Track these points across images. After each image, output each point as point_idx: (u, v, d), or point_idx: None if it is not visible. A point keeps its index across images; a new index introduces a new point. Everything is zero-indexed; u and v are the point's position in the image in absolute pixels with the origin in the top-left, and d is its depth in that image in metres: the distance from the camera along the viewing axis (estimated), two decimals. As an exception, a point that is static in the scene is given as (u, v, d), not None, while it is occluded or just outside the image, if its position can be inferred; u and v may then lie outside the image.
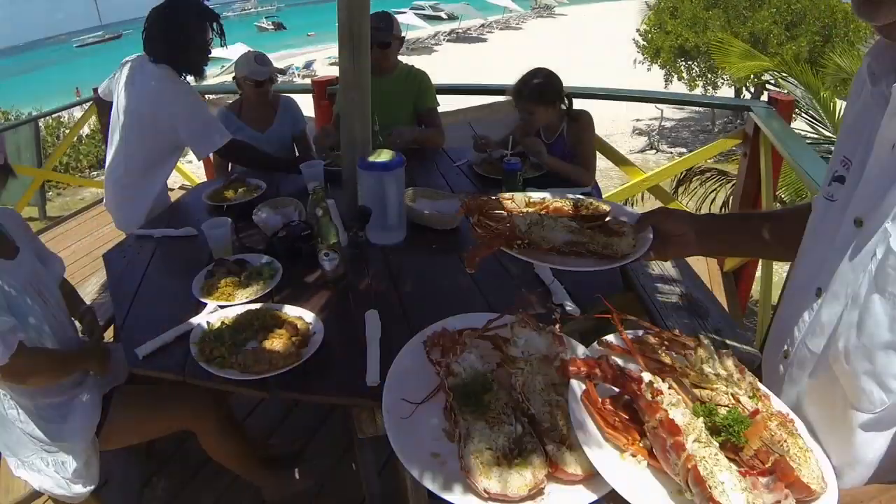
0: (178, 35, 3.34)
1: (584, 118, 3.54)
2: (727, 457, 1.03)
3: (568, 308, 2.12)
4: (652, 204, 6.07)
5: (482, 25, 49.65)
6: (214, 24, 3.47)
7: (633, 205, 6.03)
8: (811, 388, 1.14)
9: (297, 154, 4.23)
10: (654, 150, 18.30)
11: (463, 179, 3.49)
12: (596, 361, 1.21)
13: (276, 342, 2.00)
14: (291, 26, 73.36)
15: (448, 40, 45.64)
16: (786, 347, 1.22)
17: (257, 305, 2.25)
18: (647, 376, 1.14)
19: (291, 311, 2.19)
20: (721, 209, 5.66)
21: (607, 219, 1.50)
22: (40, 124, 8.96)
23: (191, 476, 3.13)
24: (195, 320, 2.23)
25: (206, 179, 5.71)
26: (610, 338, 1.33)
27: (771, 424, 1.09)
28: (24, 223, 2.45)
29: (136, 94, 3.42)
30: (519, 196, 1.58)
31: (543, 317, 1.85)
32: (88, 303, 2.87)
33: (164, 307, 2.41)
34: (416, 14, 49.04)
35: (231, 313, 2.21)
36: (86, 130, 10.54)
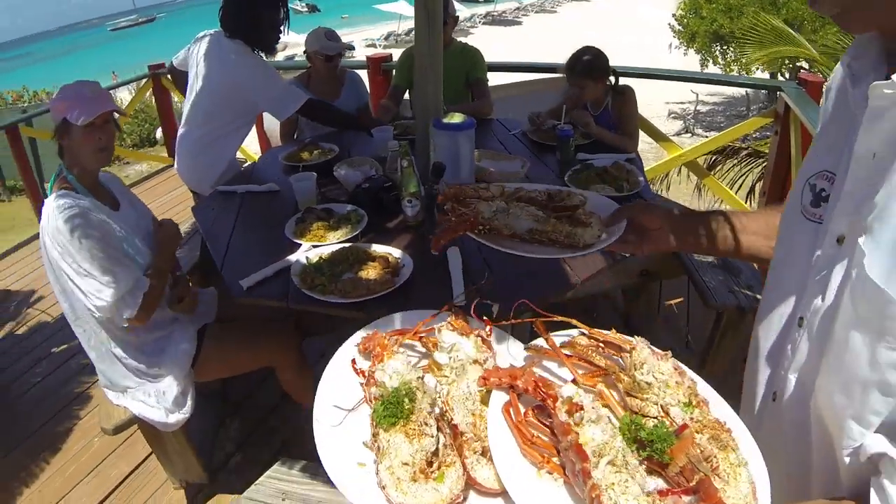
0: (252, 13, 3.61)
1: (628, 92, 3.81)
2: (656, 470, 0.99)
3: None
4: (685, 183, 6.27)
5: (517, 9, 49.58)
6: (284, 6, 3.73)
7: (668, 182, 6.26)
8: (794, 424, 1.05)
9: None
10: (690, 134, 18.29)
11: (518, 145, 3.78)
12: (519, 370, 1.13)
13: (371, 272, 2.27)
14: (325, 8, 73.65)
15: (484, 23, 45.60)
16: (770, 384, 1.14)
17: (349, 244, 2.52)
18: (567, 390, 1.07)
19: (380, 248, 2.46)
20: (753, 188, 5.82)
21: (578, 210, 1.46)
22: None
23: (260, 421, 3.44)
24: (293, 257, 2.50)
25: (260, 153, 6.01)
26: (539, 341, 1.24)
27: (701, 438, 1.01)
28: (122, 184, 2.77)
29: (216, 66, 3.68)
30: (495, 186, 1.55)
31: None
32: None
33: (258, 249, 2.71)
34: (457, -1, 48.86)
35: (326, 251, 2.47)
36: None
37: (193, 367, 2.63)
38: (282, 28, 3.75)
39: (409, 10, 35.47)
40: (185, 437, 2.79)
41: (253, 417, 3.47)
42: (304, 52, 4.36)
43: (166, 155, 8.08)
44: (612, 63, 3.79)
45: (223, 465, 3.18)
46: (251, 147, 7.57)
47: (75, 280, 2.29)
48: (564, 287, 2.27)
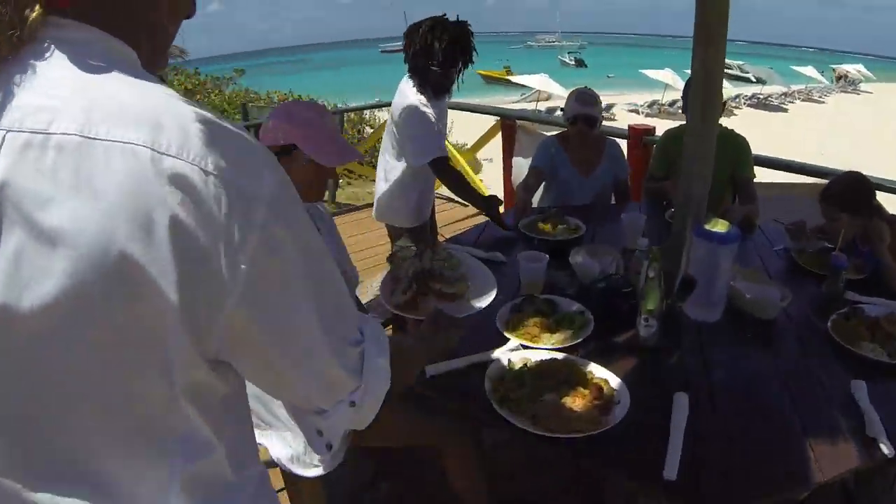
0: (424, 53, 3.48)
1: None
2: None
3: (883, 449, 1.79)
4: None
5: (784, 94, 46.14)
6: (462, 54, 3.55)
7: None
8: None
9: (612, 202, 4.18)
10: None
11: (781, 265, 3.17)
12: None
13: (578, 401, 1.93)
14: (592, 65, 74.07)
15: (748, 105, 43.25)
16: None
17: (562, 355, 2.20)
18: None
19: (597, 370, 2.11)
20: None
21: None
22: (344, 117, 9.89)
23: (416, 486, 3.07)
24: (496, 354, 2.23)
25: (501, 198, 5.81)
26: None
27: None
28: (327, 214, 2.60)
29: (394, 101, 3.72)
30: None
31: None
32: (369, 298, 2.97)
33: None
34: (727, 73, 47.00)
35: (534, 356, 2.18)
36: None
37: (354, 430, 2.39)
38: (453, 70, 3.57)
39: (675, 81, 34.04)
40: (321, 487, 2.53)
41: (409, 481, 3.10)
42: (561, 109, 4.15)
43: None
44: (886, 169, 3.12)
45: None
46: (493, 187, 7.56)
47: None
48: (801, 485, 1.76)
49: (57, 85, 0.73)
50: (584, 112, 3.86)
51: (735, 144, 3.78)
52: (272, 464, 2.37)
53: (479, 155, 8.23)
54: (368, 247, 6.30)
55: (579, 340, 2.31)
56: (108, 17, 0.79)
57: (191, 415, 0.83)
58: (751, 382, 2.18)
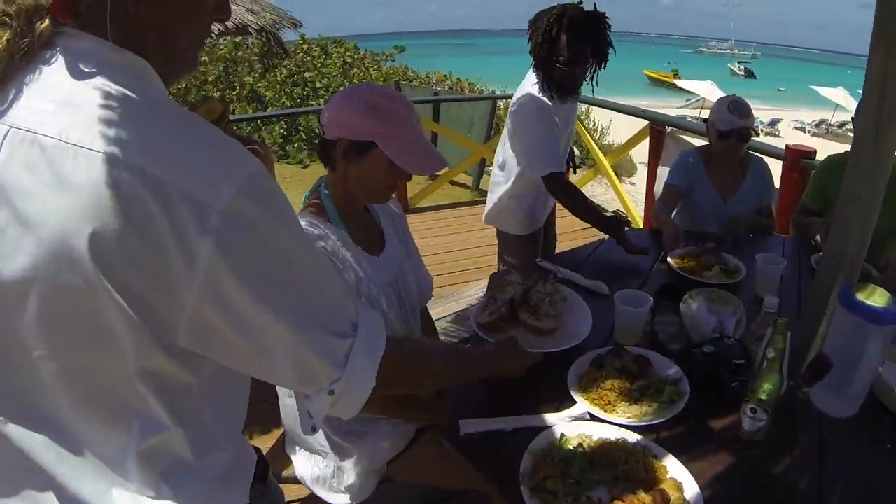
0: (548, 47, 3.01)
1: None
2: None
3: None
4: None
5: None
6: (595, 51, 3.07)
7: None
8: None
9: (751, 233, 3.51)
10: None
11: None
12: None
13: (636, 505, 1.45)
14: (762, 76, 71.09)
15: None
16: None
17: (635, 437, 1.73)
18: None
19: (674, 467, 1.62)
20: None
21: None
22: (500, 104, 9.53)
23: None
24: (551, 420, 1.82)
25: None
26: None
27: None
28: (400, 215, 2.33)
29: (515, 94, 3.32)
30: None
31: None
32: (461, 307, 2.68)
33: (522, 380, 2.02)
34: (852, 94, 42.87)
35: (598, 432, 1.74)
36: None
37: (389, 463, 2.16)
38: (580, 69, 3.09)
39: (848, 101, 30.92)
40: None
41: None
42: (705, 119, 3.55)
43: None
44: None
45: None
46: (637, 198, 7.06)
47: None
48: None
49: (55, 90, 0.86)
50: (741, 125, 3.30)
51: None
52: (296, 480, 2.27)
53: (636, 157, 7.84)
54: (469, 247, 6.07)
55: (663, 420, 1.82)
56: (113, 26, 0.88)
57: (147, 396, 0.94)
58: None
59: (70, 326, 0.86)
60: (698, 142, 4.09)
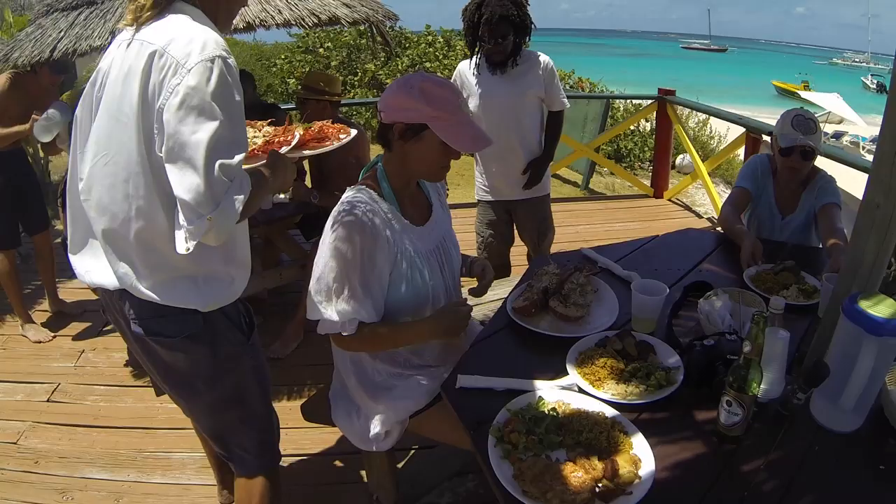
0: (471, 28, 3.82)
1: None
2: None
3: None
4: None
5: None
6: (514, 25, 3.73)
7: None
8: None
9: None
10: None
11: None
12: None
13: (580, 474, 1.56)
14: None
15: None
16: None
17: (613, 412, 1.83)
18: None
19: (640, 445, 1.71)
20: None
21: None
22: (618, 105, 9.45)
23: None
24: (540, 385, 1.95)
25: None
26: None
27: None
28: (444, 190, 2.54)
29: None
30: None
31: None
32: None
33: (529, 345, 2.25)
34: None
35: (578, 403, 1.85)
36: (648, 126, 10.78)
37: (412, 417, 2.34)
38: (500, 46, 3.74)
39: None
40: (387, 461, 2.59)
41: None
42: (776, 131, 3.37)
43: (648, 184, 7.81)
44: None
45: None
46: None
47: (315, 264, 2.15)
48: None
49: (163, 25, 1.73)
50: (804, 143, 3.17)
51: None
52: (332, 423, 2.52)
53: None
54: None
55: (646, 401, 1.90)
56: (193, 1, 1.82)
57: (161, 188, 1.74)
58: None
59: (129, 142, 1.73)
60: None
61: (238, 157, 1.67)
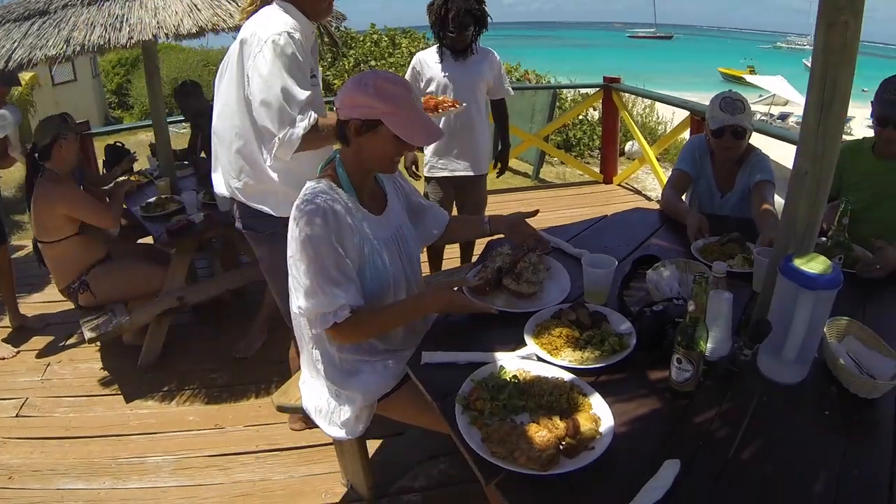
0: (438, 20, 4.27)
1: None
2: None
3: None
4: None
5: None
6: (475, 17, 4.19)
7: None
8: None
9: None
10: None
11: None
12: None
13: (544, 433, 1.66)
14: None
15: None
16: None
17: (570, 377, 1.93)
18: None
19: (598, 404, 1.82)
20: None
21: None
22: (566, 94, 9.58)
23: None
24: (500, 356, 2.05)
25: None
26: None
27: None
28: (403, 181, 2.64)
29: None
30: None
31: None
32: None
33: (488, 320, 2.34)
34: None
35: (537, 370, 1.96)
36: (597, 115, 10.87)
37: (380, 401, 2.44)
38: (463, 35, 4.20)
39: None
40: (357, 448, 2.70)
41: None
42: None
43: (597, 171, 7.96)
44: None
45: (395, 498, 2.99)
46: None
47: (289, 265, 2.23)
48: None
49: (255, 19, 2.61)
50: (732, 122, 3.32)
51: None
52: (302, 411, 2.60)
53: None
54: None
55: (602, 365, 2.02)
56: None
57: (251, 119, 2.64)
58: (785, 478, 1.67)
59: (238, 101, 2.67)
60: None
61: (300, 97, 2.52)
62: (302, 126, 2.49)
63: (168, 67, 18.38)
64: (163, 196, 4.58)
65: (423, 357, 2.11)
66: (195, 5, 3.79)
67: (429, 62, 4.36)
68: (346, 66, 13.61)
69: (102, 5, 3.81)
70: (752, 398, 1.95)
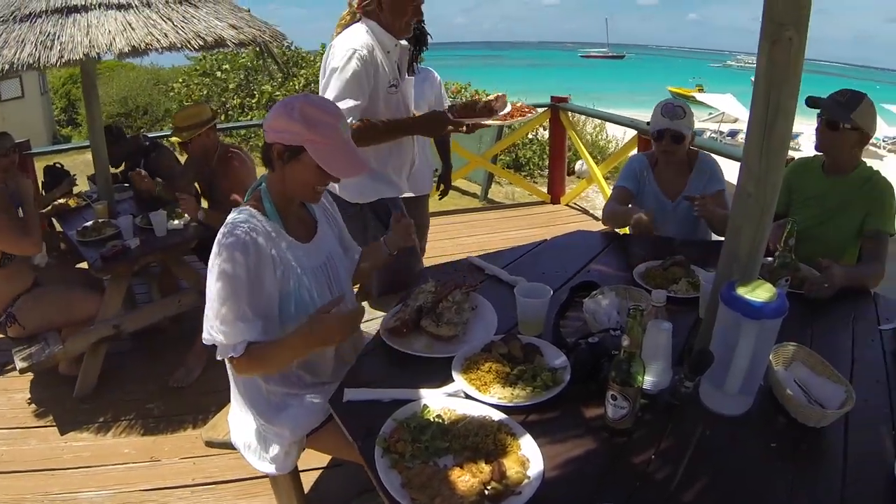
0: None
1: None
2: None
3: None
4: None
5: None
6: (414, 36, 3.84)
7: None
8: None
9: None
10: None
11: (876, 353, 2.37)
12: None
13: (467, 478, 1.58)
14: None
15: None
16: None
17: (500, 416, 1.85)
18: None
19: (528, 445, 1.74)
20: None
21: None
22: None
23: None
24: (425, 393, 1.97)
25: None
26: None
27: None
28: (334, 208, 2.57)
29: None
30: None
31: None
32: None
33: (414, 356, 2.27)
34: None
35: (464, 409, 1.87)
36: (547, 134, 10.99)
37: (309, 436, 2.33)
38: None
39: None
40: (291, 483, 2.57)
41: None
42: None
43: (545, 191, 7.95)
44: None
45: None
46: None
47: (207, 293, 2.12)
48: None
49: (349, 31, 3.03)
50: (670, 127, 3.45)
51: (875, 190, 3.05)
52: (231, 446, 2.49)
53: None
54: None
55: (533, 403, 1.93)
56: (371, 16, 3.01)
57: None
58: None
59: None
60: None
61: (347, 105, 2.85)
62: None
63: (118, 86, 18.18)
64: (100, 220, 4.45)
65: (346, 394, 2.02)
66: (129, 24, 3.72)
67: None
68: (297, 87, 13.55)
69: (35, 22, 3.71)
70: (695, 432, 1.89)
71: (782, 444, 1.84)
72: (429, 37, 4.16)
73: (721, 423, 1.93)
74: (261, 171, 2.50)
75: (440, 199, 4.81)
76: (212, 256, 2.07)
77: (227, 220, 2.13)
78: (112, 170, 5.09)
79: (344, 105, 2.81)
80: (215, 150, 4.32)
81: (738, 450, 1.84)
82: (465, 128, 3.12)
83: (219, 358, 2.15)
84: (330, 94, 2.89)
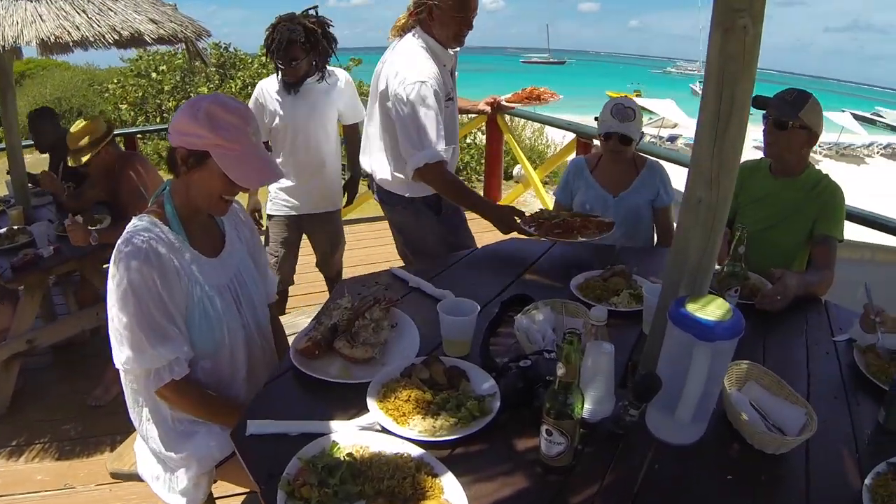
0: (268, 52, 3.90)
1: None
2: None
3: None
4: None
5: None
6: (312, 48, 3.85)
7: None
8: None
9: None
10: None
11: (832, 367, 2.28)
12: None
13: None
14: None
15: (882, 154, 38.98)
16: None
17: (419, 452, 1.65)
18: None
19: (451, 487, 1.54)
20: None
21: None
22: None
23: None
24: (336, 427, 1.76)
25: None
26: None
27: None
28: (242, 215, 2.38)
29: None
30: None
31: None
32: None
33: (326, 383, 2.04)
34: (854, 117, 43.68)
35: (378, 445, 1.67)
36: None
37: (218, 467, 2.20)
38: (292, 69, 3.81)
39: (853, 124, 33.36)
40: None
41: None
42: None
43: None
44: None
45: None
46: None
47: (109, 314, 1.96)
48: None
49: (403, 43, 3.23)
50: (620, 130, 3.42)
51: (824, 194, 2.99)
52: (138, 478, 2.36)
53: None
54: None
55: (458, 437, 1.74)
56: (424, 28, 3.17)
57: (384, 128, 3.38)
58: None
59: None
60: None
61: (441, 147, 3.05)
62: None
63: (52, 86, 17.75)
64: (14, 227, 4.21)
65: (249, 426, 1.78)
66: (39, 15, 3.50)
67: (270, 92, 4.04)
68: (234, 89, 13.45)
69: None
70: (642, 465, 1.73)
71: (739, 473, 1.70)
72: (334, 44, 3.94)
73: (671, 453, 1.77)
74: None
75: (344, 206, 4.55)
76: (111, 272, 1.92)
77: (126, 227, 1.98)
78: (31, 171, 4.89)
79: (440, 147, 3.02)
80: (115, 162, 4.01)
81: (692, 482, 1.69)
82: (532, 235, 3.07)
83: (155, 390, 2.01)
84: (431, 136, 3.00)
